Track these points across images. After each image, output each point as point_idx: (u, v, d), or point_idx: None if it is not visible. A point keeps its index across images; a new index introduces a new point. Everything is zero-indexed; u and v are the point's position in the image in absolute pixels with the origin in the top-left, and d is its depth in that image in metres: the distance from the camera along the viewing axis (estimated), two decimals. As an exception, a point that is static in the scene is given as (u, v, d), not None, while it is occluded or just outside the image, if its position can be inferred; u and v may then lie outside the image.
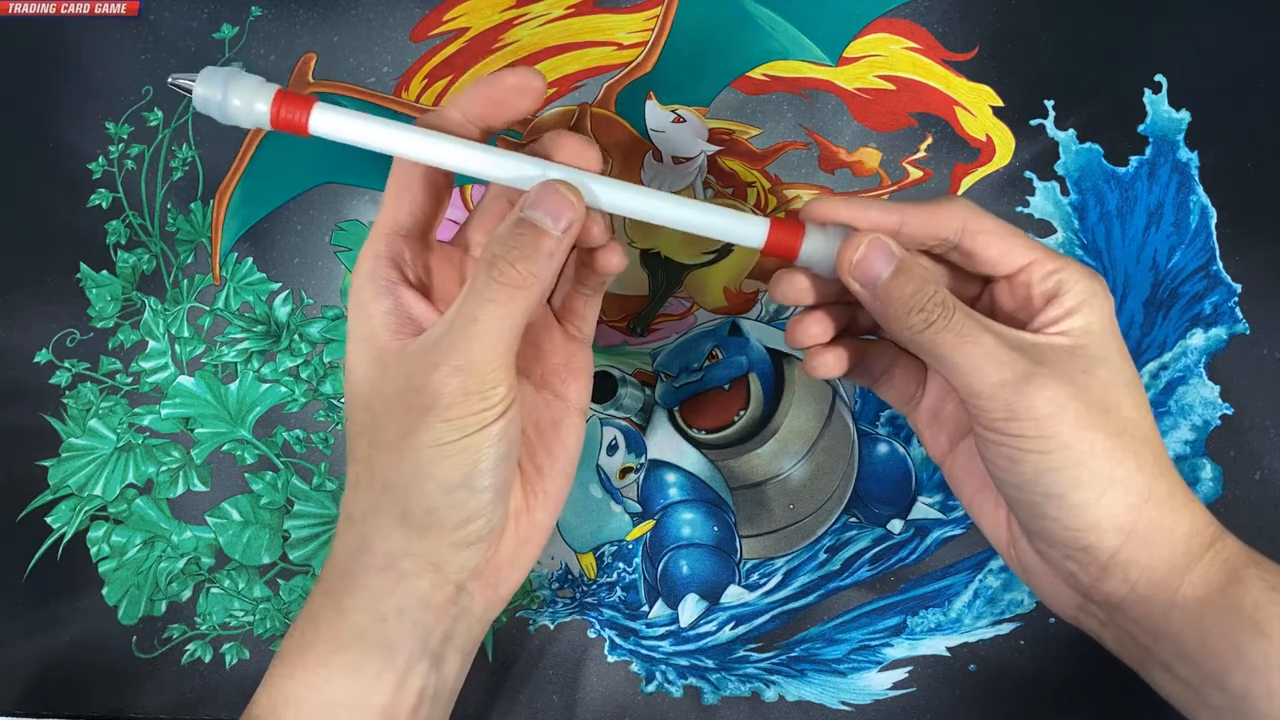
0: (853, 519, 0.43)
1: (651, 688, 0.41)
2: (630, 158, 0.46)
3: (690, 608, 0.42)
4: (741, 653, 0.42)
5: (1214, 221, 0.44)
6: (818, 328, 0.35)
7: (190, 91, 0.31)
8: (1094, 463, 0.31)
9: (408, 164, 0.33)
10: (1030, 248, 0.33)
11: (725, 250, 0.45)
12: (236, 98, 0.31)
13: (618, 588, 0.42)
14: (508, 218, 0.31)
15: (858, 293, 0.32)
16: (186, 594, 0.43)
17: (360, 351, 0.32)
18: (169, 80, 0.31)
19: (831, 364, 0.35)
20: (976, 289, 0.35)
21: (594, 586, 0.43)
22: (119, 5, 0.49)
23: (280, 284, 0.46)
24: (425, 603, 0.32)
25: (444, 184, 0.34)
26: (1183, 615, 0.31)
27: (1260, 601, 0.30)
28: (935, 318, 0.31)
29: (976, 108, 0.46)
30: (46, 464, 0.45)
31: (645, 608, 0.42)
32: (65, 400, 0.45)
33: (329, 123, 0.31)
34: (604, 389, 0.44)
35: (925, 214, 0.33)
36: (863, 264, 0.32)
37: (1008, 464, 0.32)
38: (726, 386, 0.44)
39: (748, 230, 0.32)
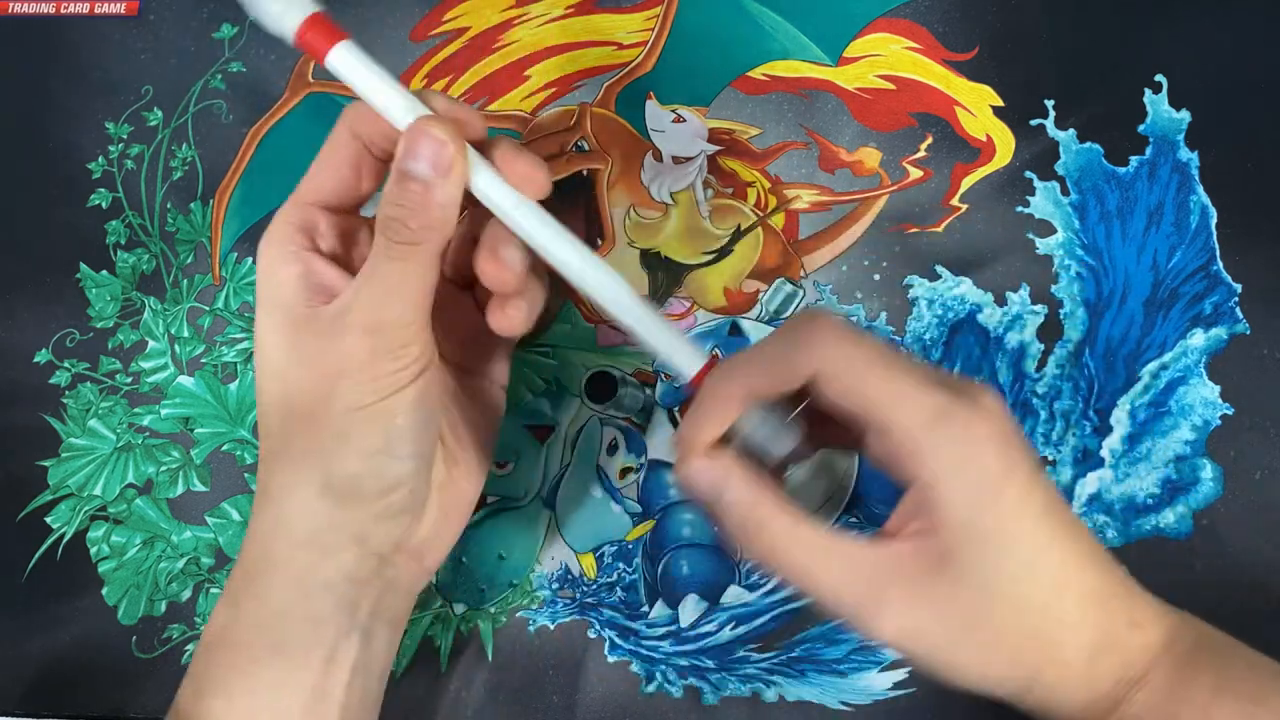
0: (853, 519, 0.43)
1: (651, 688, 0.41)
2: (630, 158, 0.46)
3: (690, 608, 0.42)
4: (742, 653, 0.42)
5: (1214, 221, 0.44)
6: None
7: None
8: (966, 679, 0.28)
9: (340, 140, 0.32)
10: (894, 406, 0.27)
11: (725, 250, 0.45)
12: (275, 5, 0.31)
13: (618, 588, 0.42)
14: (390, 174, 0.30)
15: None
16: (186, 594, 0.43)
17: (270, 321, 0.32)
18: None
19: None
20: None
21: (594, 586, 0.42)
22: (119, 5, 0.49)
23: (280, 284, 0.46)
24: (350, 577, 0.31)
25: (375, 168, 0.33)
26: None
27: None
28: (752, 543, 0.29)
29: (976, 108, 0.46)
30: (46, 464, 0.45)
31: (645, 608, 0.42)
32: (65, 400, 0.45)
33: (344, 60, 0.31)
34: (604, 389, 0.44)
35: (773, 373, 0.29)
36: (687, 488, 0.31)
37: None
38: (726, 386, 0.44)
39: (685, 363, 0.32)
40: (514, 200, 0.31)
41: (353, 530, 0.31)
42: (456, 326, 0.36)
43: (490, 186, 0.31)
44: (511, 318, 0.33)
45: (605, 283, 0.32)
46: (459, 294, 0.36)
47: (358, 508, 0.31)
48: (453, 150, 0.30)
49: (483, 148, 0.32)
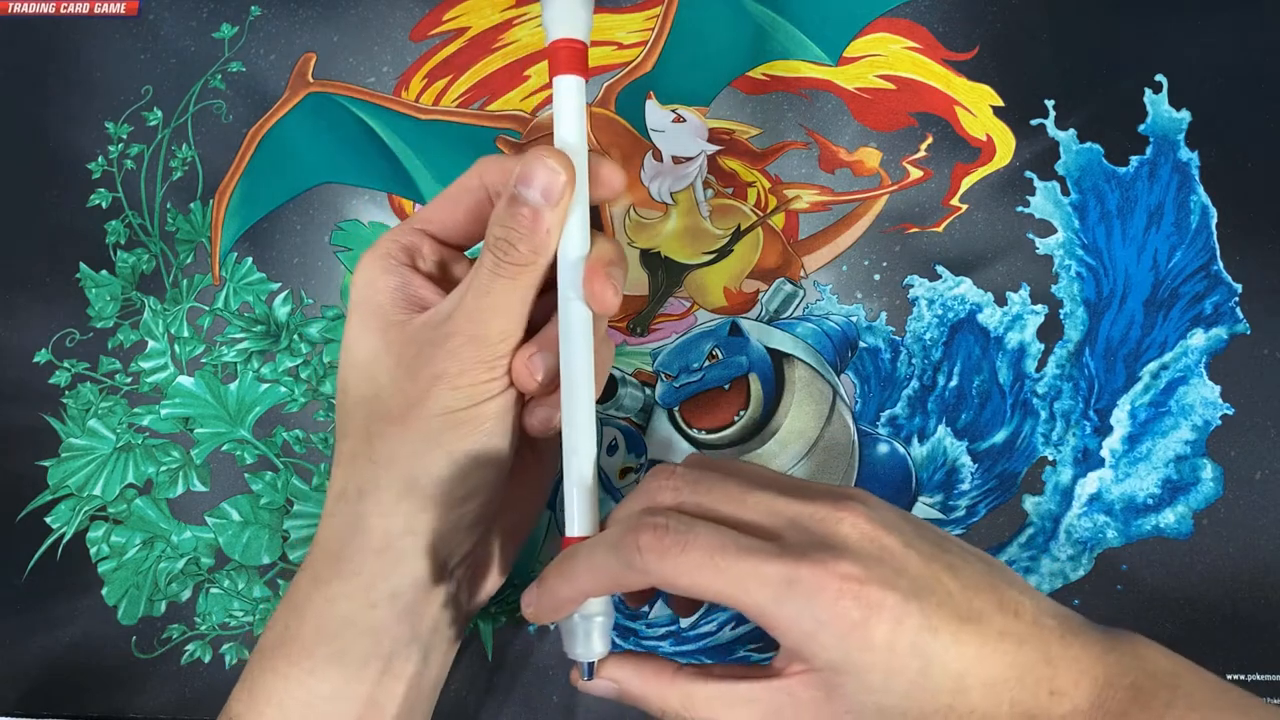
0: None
1: (651, 688, 0.41)
2: (630, 158, 0.46)
3: (690, 608, 0.42)
4: (742, 653, 0.42)
5: (1214, 221, 0.44)
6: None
7: None
8: None
9: (469, 184, 0.33)
10: (740, 592, 0.28)
11: (725, 250, 0.45)
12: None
13: (618, 588, 0.42)
14: (503, 195, 0.31)
15: None
16: (186, 594, 0.43)
17: (363, 323, 0.33)
18: None
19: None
20: None
21: (594, 587, 0.42)
22: (119, 5, 0.49)
23: (280, 284, 0.46)
24: (420, 586, 0.32)
25: (489, 212, 0.34)
26: None
27: None
28: None
29: (977, 108, 0.46)
30: (46, 464, 0.45)
31: (645, 608, 0.42)
32: (65, 400, 0.45)
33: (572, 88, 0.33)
34: (604, 389, 0.44)
35: (615, 580, 0.30)
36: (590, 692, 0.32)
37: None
38: (726, 387, 0.44)
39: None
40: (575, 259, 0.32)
41: (428, 538, 0.32)
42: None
43: (577, 236, 0.32)
44: (537, 418, 0.33)
45: (579, 437, 0.32)
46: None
47: (437, 513, 0.32)
48: (564, 180, 0.31)
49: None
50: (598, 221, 0.45)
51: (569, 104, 0.32)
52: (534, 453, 0.37)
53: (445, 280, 0.35)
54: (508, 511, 0.35)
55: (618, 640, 0.42)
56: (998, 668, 0.28)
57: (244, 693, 0.32)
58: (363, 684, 0.32)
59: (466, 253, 0.36)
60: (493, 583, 0.36)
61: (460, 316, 0.31)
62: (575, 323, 0.32)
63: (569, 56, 0.32)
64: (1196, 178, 0.45)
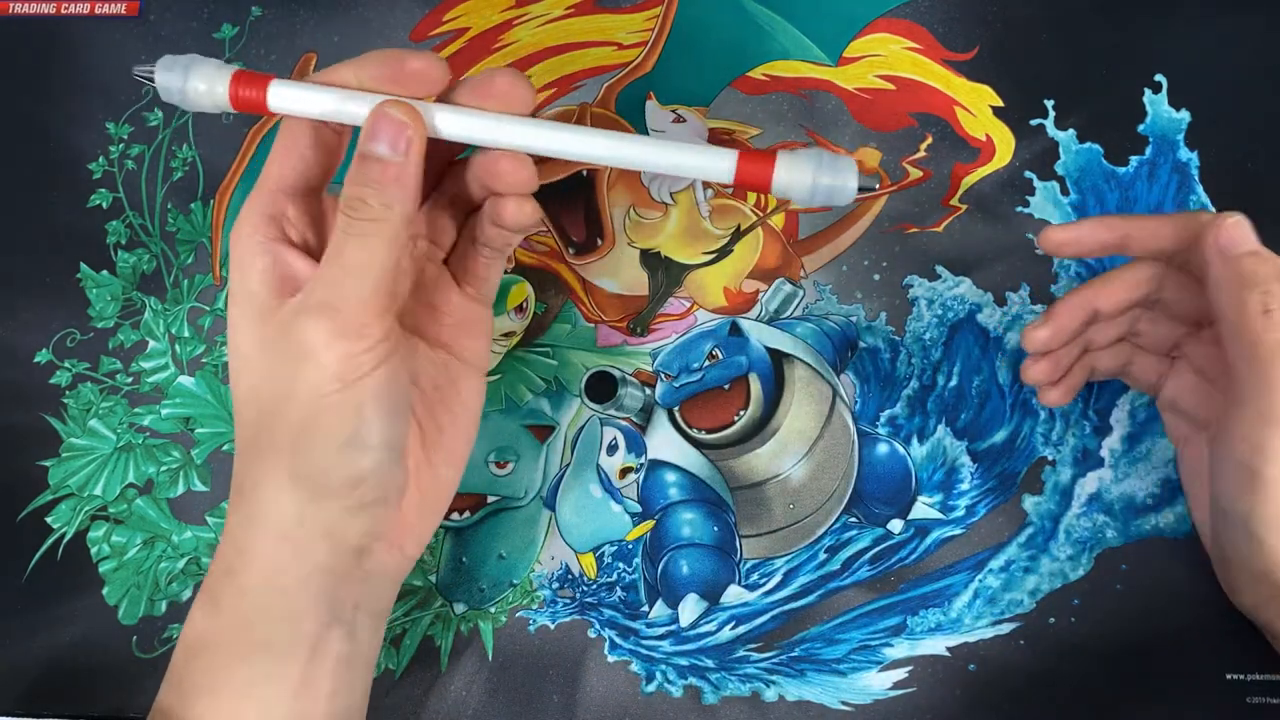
0: (853, 519, 0.43)
1: (651, 688, 0.41)
2: (630, 158, 0.46)
3: (690, 608, 0.42)
4: (741, 653, 0.42)
5: (1214, 221, 0.44)
6: (1043, 371, 0.39)
7: (152, 80, 0.31)
8: None
9: (296, 121, 0.32)
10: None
11: (725, 250, 0.45)
12: (198, 82, 0.31)
13: (618, 588, 0.42)
14: (354, 157, 0.31)
15: (1210, 258, 0.34)
16: (187, 594, 0.43)
17: (239, 313, 0.31)
18: (133, 71, 0.32)
19: (1055, 398, 0.40)
20: None
21: (594, 586, 0.43)
22: (119, 5, 0.49)
23: (280, 284, 0.46)
24: (326, 571, 0.31)
25: (335, 142, 0.33)
26: None
27: None
28: (1274, 308, 0.32)
29: (976, 108, 0.46)
30: (46, 464, 0.45)
31: (645, 608, 0.42)
32: (65, 400, 0.45)
33: (285, 97, 0.31)
34: (604, 389, 0.44)
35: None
36: (1232, 230, 0.34)
37: (1230, 490, 0.34)
38: (726, 386, 0.44)
39: (715, 165, 0.31)
40: (490, 123, 0.31)
41: (324, 524, 0.31)
42: (435, 303, 0.35)
43: (460, 125, 0.31)
44: (526, 203, 0.33)
45: (607, 145, 0.31)
46: (437, 270, 0.36)
47: (327, 501, 0.31)
48: (411, 131, 0.30)
49: (454, 88, 0.32)
50: (598, 222, 0.45)
51: (312, 94, 0.31)
52: (445, 409, 0.35)
53: (321, 243, 0.33)
54: (423, 476, 0.34)
55: (618, 640, 0.42)
56: None
57: (171, 690, 0.32)
58: (291, 667, 0.31)
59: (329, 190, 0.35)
60: (415, 548, 0.35)
61: (317, 287, 0.30)
62: (502, 129, 0.31)
63: (251, 83, 0.32)
64: (1196, 178, 0.45)
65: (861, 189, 0.30)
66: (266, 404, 0.31)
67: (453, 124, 0.31)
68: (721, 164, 0.31)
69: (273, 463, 0.31)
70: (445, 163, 0.35)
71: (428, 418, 0.34)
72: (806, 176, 0.30)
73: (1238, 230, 0.34)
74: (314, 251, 0.33)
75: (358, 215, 0.30)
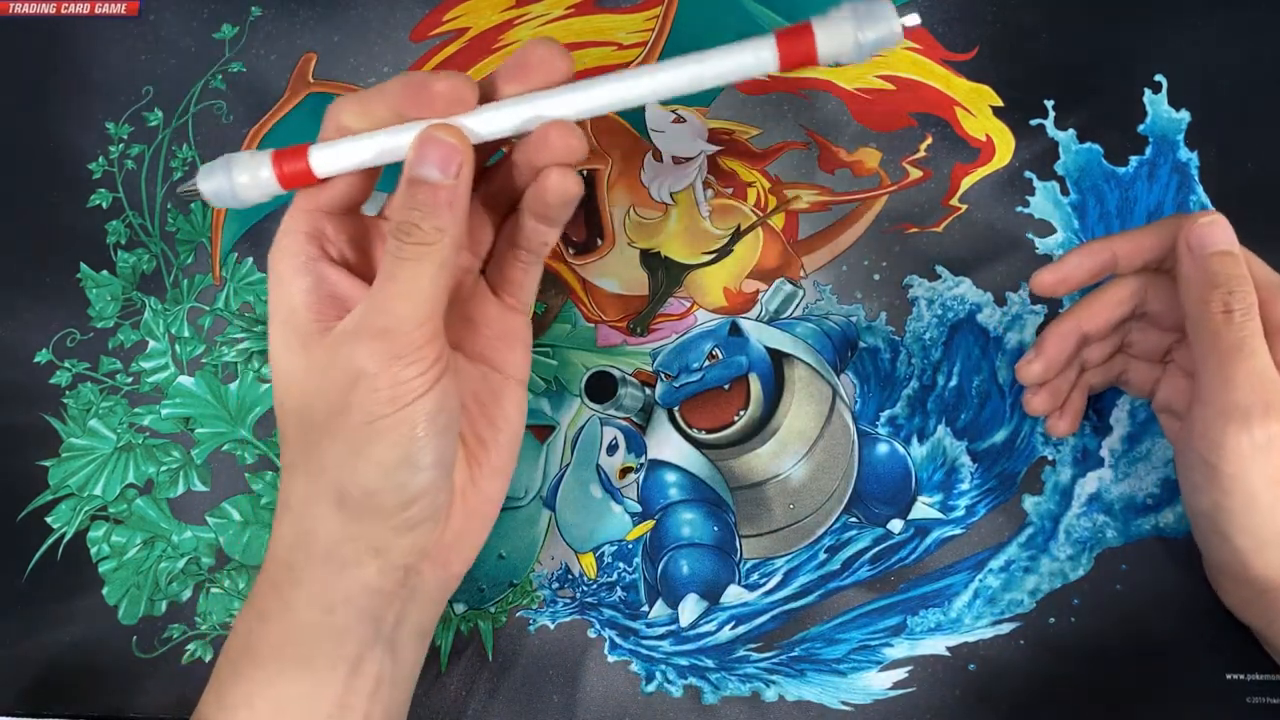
0: (853, 519, 0.43)
1: (651, 687, 0.41)
2: (630, 158, 0.46)
3: (690, 608, 0.42)
4: (741, 652, 0.42)
5: (1214, 221, 0.44)
6: (1043, 401, 0.40)
7: (199, 193, 0.32)
8: (1272, 520, 0.32)
9: (330, 137, 0.32)
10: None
11: (725, 250, 0.45)
12: (242, 176, 0.31)
13: (618, 588, 0.42)
14: (400, 180, 0.31)
15: (1181, 256, 0.35)
16: (186, 594, 0.43)
17: (282, 335, 0.31)
18: (178, 190, 0.32)
19: (1064, 428, 0.40)
20: None
21: (594, 586, 0.43)
22: (119, 5, 0.49)
23: (280, 284, 0.46)
24: (372, 590, 0.31)
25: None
26: None
27: None
28: (1235, 308, 0.33)
29: (976, 108, 0.46)
30: (46, 464, 0.45)
31: (645, 608, 0.42)
32: (65, 400, 0.45)
33: (328, 159, 0.31)
34: (604, 389, 0.44)
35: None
36: (1204, 229, 0.34)
37: (1192, 487, 0.34)
38: (726, 386, 0.44)
39: (756, 56, 0.30)
40: (527, 106, 0.31)
41: (372, 543, 0.31)
42: (473, 316, 0.35)
43: (498, 121, 0.31)
44: (570, 182, 0.32)
45: (651, 80, 0.31)
46: (474, 281, 0.35)
47: (375, 522, 0.31)
48: (461, 152, 0.30)
49: (491, 78, 0.32)
50: (598, 222, 0.45)
51: (354, 145, 0.31)
52: (488, 423, 0.35)
53: (362, 260, 0.33)
54: (468, 493, 0.34)
55: (618, 640, 0.42)
56: None
57: (213, 696, 0.32)
58: (331, 686, 0.31)
59: (364, 209, 0.35)
60: (460, 566, 0.35)
61: (369, 311, 0.30)
62: (541, 104, 0.31)
63: (292, 157, 0.32)
64: (1196, 178, 0.45)
65: (906, 27, 0.29)
66: (315, 425, 0.31)
67: (491, 122, 0.31)
68: (763, 53, 0.30)
69: (322, 482, 0.31)
70: (479, 170, 0.34)
71: (470, 433, 0.34)
72: (849, 38, 0.29)
73: (1209, 230, 0.34)
74: (355, 269, 0.33)
75: (410, 239, 0.30)
